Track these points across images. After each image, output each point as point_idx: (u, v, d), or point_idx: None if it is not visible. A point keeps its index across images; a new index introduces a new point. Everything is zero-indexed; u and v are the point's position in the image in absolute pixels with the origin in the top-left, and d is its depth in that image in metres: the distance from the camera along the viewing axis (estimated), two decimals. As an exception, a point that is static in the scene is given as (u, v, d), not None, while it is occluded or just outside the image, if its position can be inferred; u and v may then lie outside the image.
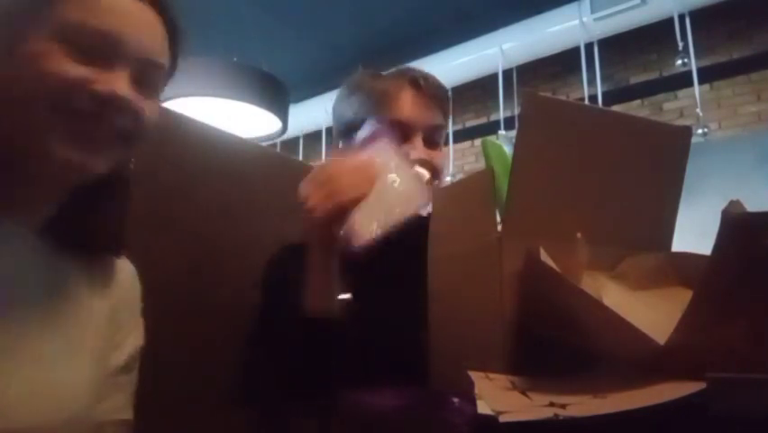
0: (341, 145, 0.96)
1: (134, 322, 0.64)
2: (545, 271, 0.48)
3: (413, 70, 0.94)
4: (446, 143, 0.93)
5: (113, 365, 0.59)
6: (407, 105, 0.89)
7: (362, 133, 0.91)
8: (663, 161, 0.62)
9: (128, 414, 0.61)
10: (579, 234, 0.53)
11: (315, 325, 0.67)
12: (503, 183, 0.56)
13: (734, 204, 0.40)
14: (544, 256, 0.50)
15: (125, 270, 0.64)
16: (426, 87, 0.90)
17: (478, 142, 4.11)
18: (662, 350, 0.40)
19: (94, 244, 0.59)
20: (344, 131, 0.94)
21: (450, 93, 0.99)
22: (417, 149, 0.87)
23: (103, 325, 0.59)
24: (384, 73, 0.96)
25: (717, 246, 0.39)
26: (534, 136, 0.56)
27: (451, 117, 0.97)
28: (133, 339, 0.63)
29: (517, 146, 0.55)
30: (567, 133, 0.57)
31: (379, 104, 0.89)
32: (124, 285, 0.63)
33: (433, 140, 0.91)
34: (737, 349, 0.39)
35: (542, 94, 0.57)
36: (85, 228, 0.58)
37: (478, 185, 0.60)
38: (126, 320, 0.62)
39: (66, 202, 0.56)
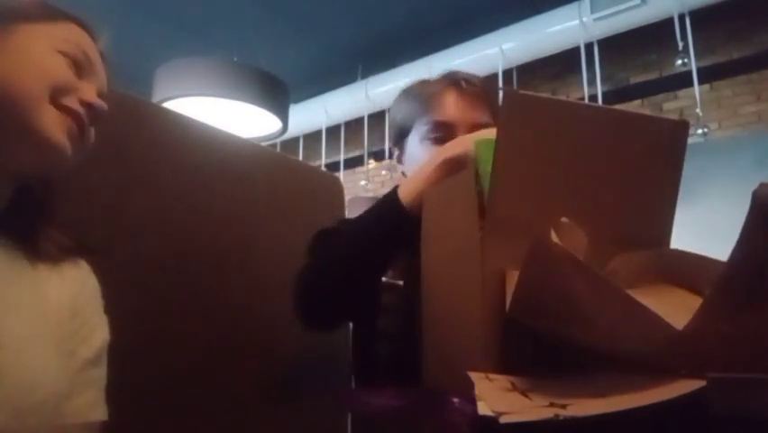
0: (396, 152, 1.04)
1: (98, 317, 0.65)
2: (557, 256, 0.46)
3: (456, 73, 0.99)
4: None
5: (82, 358, 0.61)
6: (450, 106, 0.94)
7: (412, 138, 0.97)
8: (659, 156, 0.61)
9: (101, 412, 0.62)
10: (564, 219, 0.53)
11: (400, 209, 0.78)
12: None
13: (764, 185, 0.39)
14: (555, 238, 0.48)
15: (80, 266, 0.66)
16: (468, 88, 0.95)
17: (478, 142, 4.10)
18: (678, 337, 0.40)
19: (45, 244, 0.62)
20: (397, 137, 1.02)
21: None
22: None
23: (66, 317, 0.60)
24: (432, 78, 1.02)
25: (746, 229, 0.38)
26: (516, 135, 0.55)
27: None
28: (100, 333, 0.64)
29: (498, 146, 0.55)
30: (551, 130, 0.57)
31: (423, 107, 0.95)
32: (80, 280, 0.65)
33: None
34: (760, 337, 0.38)
35: (523, 92, 0.56)
36: (36, 226, 0.62)
37: (461, 185, 0.60)
38: (90, 315, 0.64)
39: (12, 200, 0.61)
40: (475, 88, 0.95)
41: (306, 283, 0.81)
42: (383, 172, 4.40)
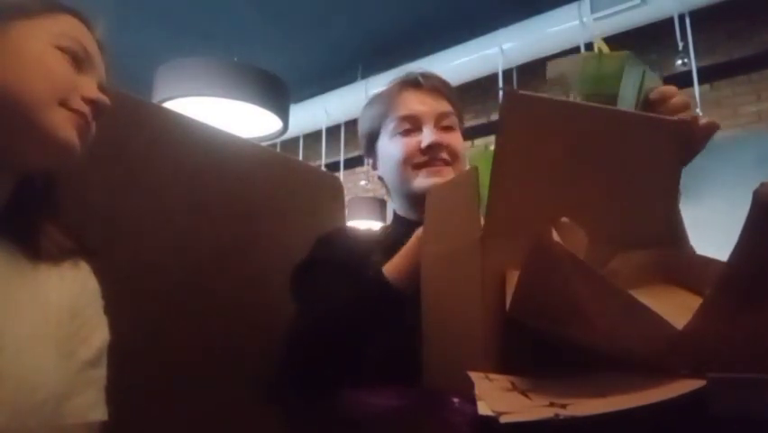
0: (370, 160, 1.05)
1: (98, 318, 0.65)
2: (557, 256, 0.46)
3: (411, 71, 1.02)
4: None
5: (81, 359, 0.61)
6: (411, 100, 0.97)
7: (382, 140, 0.99)
8: (659, 156, 0.62)
9: (100, 412, 0.62)
10: (564, 219, 0.53)
11: (390, 292, 0.74)
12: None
13: (765, 185, 0.39)
14: (555, 238, 0.48)
15: (80, 266, 0.66)
16: (425, 81, 0.99)
17: (478, 142, 4.11)
18: (679, 337, 0.40)
19: (46, 245, 0.62)
20: (368, 144, 1.04)
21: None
22: (428, 134, 0.94)
23: (66, 318, 0.60)
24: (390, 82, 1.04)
25: (747, 229, 0.38)
26: (517, 135, 0.55)
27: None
28: (100, 334, 0.64)
29: (498, 146, 0.55)
30: (552, 131, 0.57)
31: (387, 108, 0.98)
32: (80, 281, 0.65)
33: (444, 125, 0.97)
34: (760, 337, 0.38)
35: (524, 92, 0.56)
36: (36, 226, 0.62)
37: (463, 184, 0.60)
38: (90, 316, 0.64)
39: (13, 197, 0.61)
40: (432, 81, 0.99)
41: (300, 364, 0.80)
42: (383, 172, 4.39)
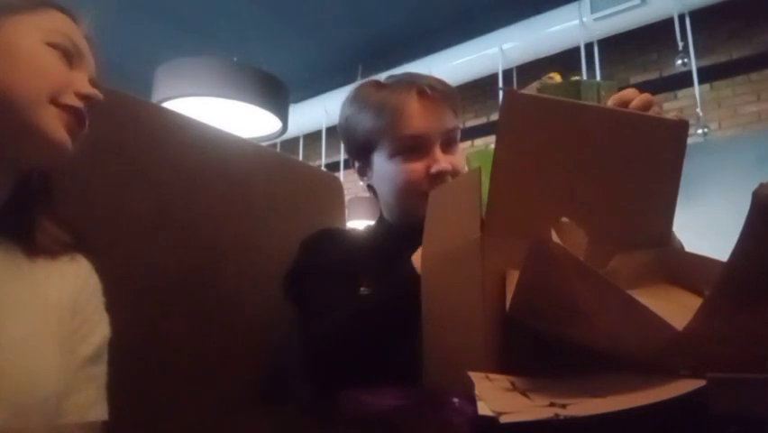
0: (357, 165, 0.98)
1: (99, 315, 0.66)
2: (557, 256, 0.46)
3: (417, 79, 0.93)
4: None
5: (81, 356, 0.61)
6: (418, 117, 0.88)
7: (379, 155, 0.92)
8: (659, 156, 0.62)
9: (101, 411, 0.62)
10: (564, 219, 0.53)
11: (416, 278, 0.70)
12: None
13: (764, 186, 0.39)
14: (556, 238, 0.48)
15: (81, 264, 0.66)
16: (433, 94, 0.90)
17: (478, 142, 4.11)
18: (679, 337, 0.40)
19: (43, 241, 0.62)
20: (359, 150, 0.95)
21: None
22: (439, 160, 0.88)
23: (66, 315, 0.61)
24: (388, 82, 0.95)
25: (746, 229, 0.38)
26: (517, 135, 0.55)
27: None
28: (100, 331, 0.65)
29: (498, 146, 0.55)
30: (552, 131, 0.57)
31: (388, 121, 0.89)
32: (81, 278, 0.65)
33: (450, 143, 0.92)
34: (760, 337, 0.38)
35: (523, 92, 0.56)
36: (35, 223, 0.62)
37: (466, 185, 0.60)
38: (91, 313, 0.64)
39: (12, 195, 0.61)
40: (439, 93, 0.90)
41: (324, 371, 0.78)
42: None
